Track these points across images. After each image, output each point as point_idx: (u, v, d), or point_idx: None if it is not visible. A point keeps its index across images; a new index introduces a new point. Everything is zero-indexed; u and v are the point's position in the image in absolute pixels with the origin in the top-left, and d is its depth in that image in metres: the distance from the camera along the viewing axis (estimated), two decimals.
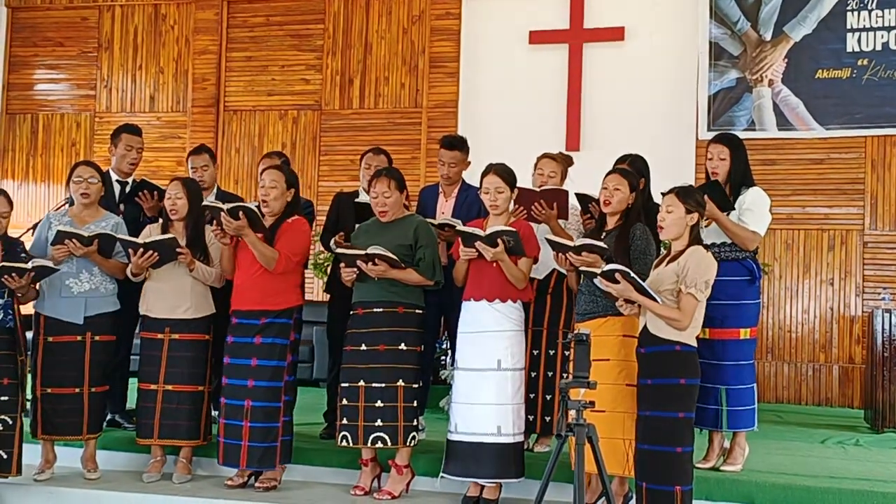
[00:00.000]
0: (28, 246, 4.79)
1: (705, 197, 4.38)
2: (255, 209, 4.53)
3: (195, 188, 4.89)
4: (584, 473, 3.49)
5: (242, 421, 4.53)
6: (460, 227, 4.42)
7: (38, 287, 4.60)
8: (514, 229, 4.29)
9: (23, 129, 9.62)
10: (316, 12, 9.01)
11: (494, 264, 4.33)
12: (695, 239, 3.95)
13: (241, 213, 4.46)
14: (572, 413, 3.48)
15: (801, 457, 5.19)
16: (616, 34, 8.29)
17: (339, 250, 4.63)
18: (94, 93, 9.49)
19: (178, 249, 4.61)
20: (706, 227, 4.52)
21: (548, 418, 4.84)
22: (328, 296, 5.49)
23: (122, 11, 9.43)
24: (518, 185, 4.55)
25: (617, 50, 8.32)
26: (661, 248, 4.48)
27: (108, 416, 5.13)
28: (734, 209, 4.54)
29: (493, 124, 8.35)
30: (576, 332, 3.63)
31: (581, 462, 3.47)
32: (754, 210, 4.54)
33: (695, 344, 3.91)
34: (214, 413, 4.90)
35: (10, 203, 4.51)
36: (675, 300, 3.86)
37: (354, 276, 4.48)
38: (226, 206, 4.47)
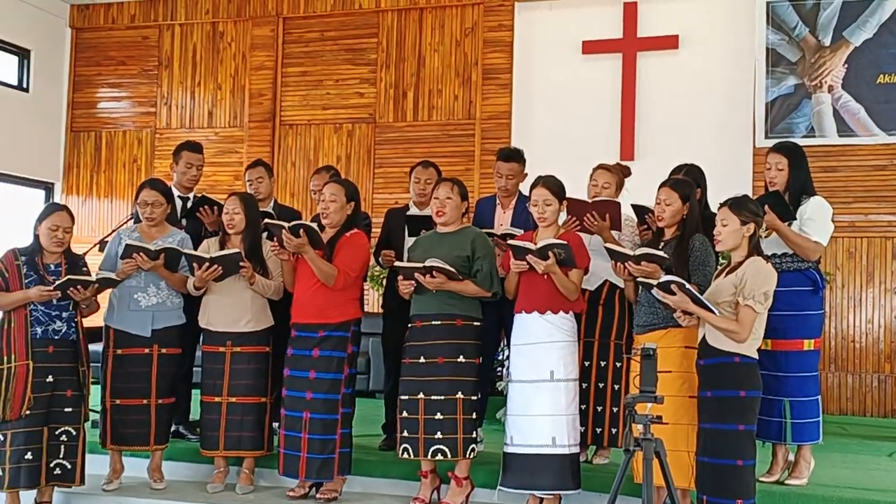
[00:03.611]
0: (94, 261, 4.92)
1: (766, 207, 4.33)
2: (315, 227, 4.59)
3: (252, 202, 4.98)
4: (654, 488, 3.46)
5: (301, 432, 4.59)
6: (512, 241, 4.42)
7: (98, 300, 4.71)
8: (565, 242, 4.27)
9: (87, 147, 9.89)
10: (369, 26, 9.12)
11: (545, 276, 4.32)
12: (754, 249, 3.90)
13: (301, 230, 4.52)
14: (639, 427, 3.46)
15: (868, 470, 5.09)
16: (670, 42, 8.24)
17: (398, 263, 4.67)
18: (154, 110, 9.72)
19: (241, 264, 4.70)
20: (766, 237, 4.46)
21: (598, 430, 4.81)
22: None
23: (182, 30, 9.65)
24: (568, 195, 4.55)
25: (671, 58, 8.26)
26: (720, 259, 4.43)
27: (173, 428, 5.22)
28: (795, 219, 4.48)
29: (547, 135, 8.35)
30: (642, 346, 3.60)
31: (649, 477, 3.44)
32: (816, 220, 4.46)
33: (755, 356, 3.86)
34: (275, 424, 4.97)
35: (73, 218, 4.64)
36: (734, 312, 3.81)
37: (412, 288, 4.51)
38: (287, 225, 4.54)
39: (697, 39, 8.20)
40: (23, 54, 9.51)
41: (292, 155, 9.27)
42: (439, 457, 4.44)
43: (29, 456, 4.42)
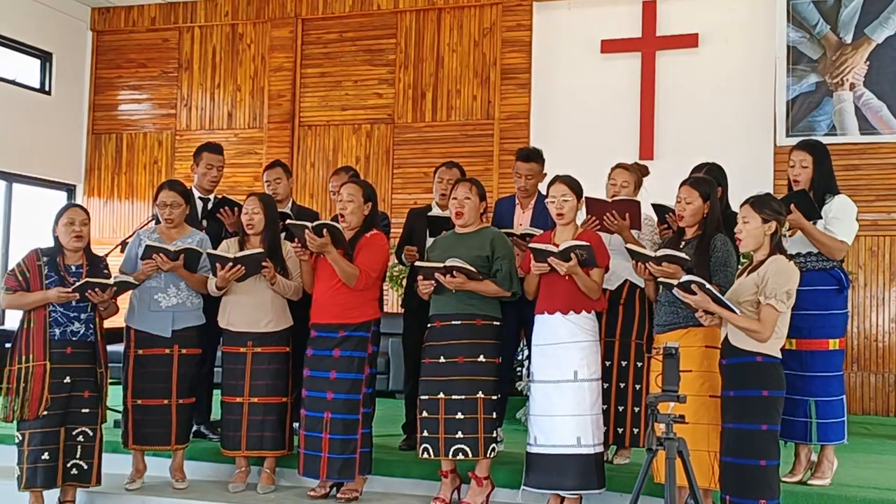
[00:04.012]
0: (116, 262, 4.96)
1: (792, 206, 4.30)
2: (339, 227, 4.60)
3: (271, 203, 5.00)
4: (676, 488, 3.45)
5: (322, 433, 4.61)
6: (532, 244, 4.41)
7: (117, 303, 4.74)
8: (586, 243, 4.26)
9: (108, 149, 9.96)
10: (388, 27, 9.12)
11: (567, 276, 4.31)
12: (776, 248, 3.87)
13: (324, 230, 4.53)
14: (661, 427, 3.45)
15: (892, 470, 5.05)
16: (689, 41, 8.19)
17: (418, 263, 4.68)
18: (174, 111, 9.77)
19: (264, 264, 4.72)
20: (791, 236, 4.43)
21: (620, 430, 4.80)
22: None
23: (201, 32, 9.70)
24: (587, 195, 4.53)
25: (691, 57, 8.22)
26: (742, 259, 4.41)
27: (194, 428, 5.26)
28: (821, 218, 4.45)
29: (566, 134, 8.33)
30: (665, 345, 3.59)
31: (672, 476, 3.43)
32: (841, 219, 4.44)
33: (778, 355, 3.83)
34: (295, 424, 4.98)
35: (87, 213, 4.66)
36: (756, 311, 3.79)
37: (432, 288, 4.52)
38: (310, 224, 4.55)
39: (717, 38, 8.16)
40: (45, 57, 9.59)
41: (311, 156, 9.29)
42: (460, 456, 4.44)
43: (46, 456, 4.45)
